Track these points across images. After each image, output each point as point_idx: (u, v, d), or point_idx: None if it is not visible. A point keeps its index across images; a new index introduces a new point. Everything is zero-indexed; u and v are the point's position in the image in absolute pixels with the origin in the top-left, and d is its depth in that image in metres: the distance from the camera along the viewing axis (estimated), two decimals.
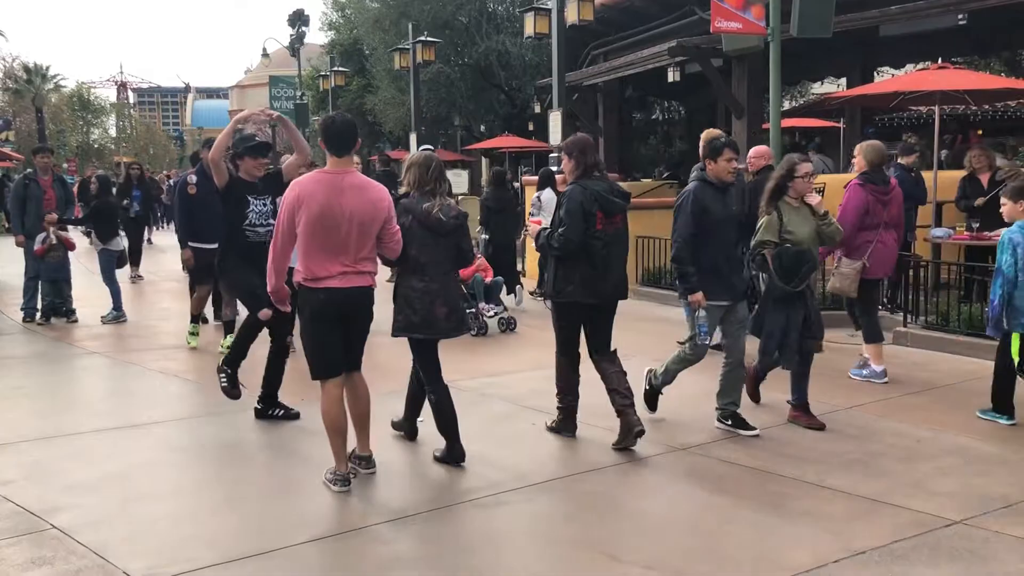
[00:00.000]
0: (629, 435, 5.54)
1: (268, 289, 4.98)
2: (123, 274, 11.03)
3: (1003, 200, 6.10)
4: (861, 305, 7.34)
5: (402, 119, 27.41)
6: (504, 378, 7.45)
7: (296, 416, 6.21)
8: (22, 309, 10.35)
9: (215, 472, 5.29)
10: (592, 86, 19.72)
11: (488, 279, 9.78)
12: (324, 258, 4.73)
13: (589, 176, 5.55)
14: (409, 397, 5.71)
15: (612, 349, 5.74)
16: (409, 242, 5.07)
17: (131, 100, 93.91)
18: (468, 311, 8.83)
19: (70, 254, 10.46)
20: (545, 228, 5.74)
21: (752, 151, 8.36)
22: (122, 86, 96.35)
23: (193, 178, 8.83)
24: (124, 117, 67.10)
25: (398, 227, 4.93)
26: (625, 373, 5.70)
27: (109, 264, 10.44)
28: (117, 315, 10.29)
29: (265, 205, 6.37)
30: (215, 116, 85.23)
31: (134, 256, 14.23)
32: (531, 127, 26.66)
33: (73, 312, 10.36)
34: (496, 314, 9.63)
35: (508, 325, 9.57)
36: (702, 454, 5.50)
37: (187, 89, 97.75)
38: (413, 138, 22.07)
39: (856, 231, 7.01)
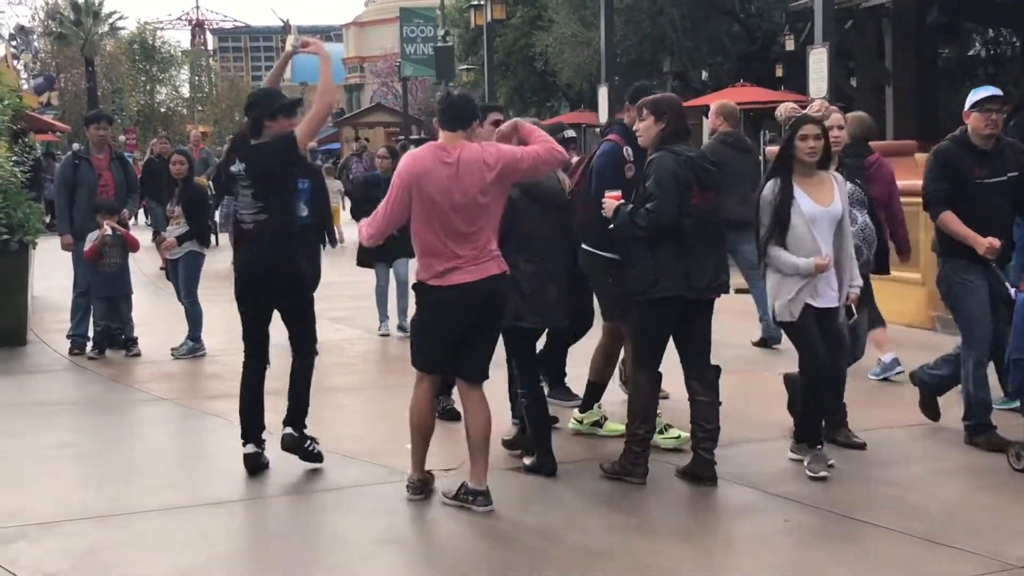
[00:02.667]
0: (702, 477, 6.46)
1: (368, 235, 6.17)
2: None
3: None
4: None
5: (585, 66, 27.66)
6: None
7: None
8: (68, 337, 11.04)
9: (338, 566, 5.44)
10: (875, 8, 19.25)
11: None
12: (442, 247, 5.89)
13: (679, 141, 6.45)
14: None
15: (714, 365, 6.58)
16: (517, 218, 6.44)
17: (210, 45, 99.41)
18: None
19: (131, 258, 11.07)
20: (625, 203, 6.46)
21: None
22: (198, 26, 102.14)
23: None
24: (200, 69, 70.84)
25: (525, 151, 6.01)
26: (719, 404, 6.52)
27: (193, 274, 10.89)
28: (194, 347, 10.79)
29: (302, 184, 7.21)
30: None
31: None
32: (779, 72, 26.28)
33: (134, 342, 10.97)
34: None
35: None
36: None
37: (286, 29, 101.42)
38: (603, 93, 22.19)
39: None
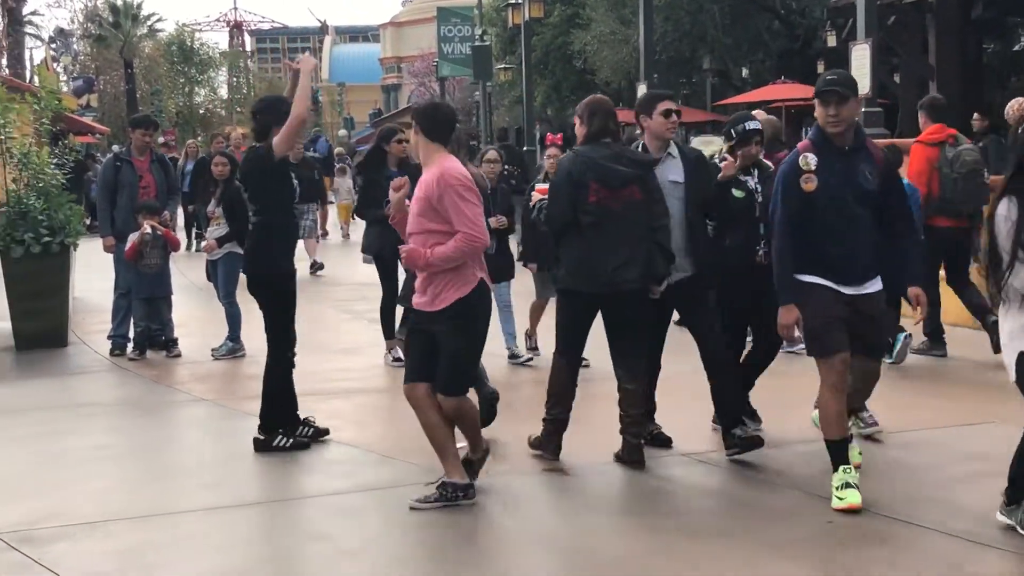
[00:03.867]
0: (630, 461, 6.83)
1: (432, 259, 6.09)
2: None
3: None
4: None
5: (624, 64, 27.64)
6: None
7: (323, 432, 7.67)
8: (109, 338, 11.18)
9: (382, 568, 5.48)
10: (919, 3, 19.12)
11: None
12: None
13: (595, 142, 6.82)
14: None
15: (644, 359, 6.96)
16: None
17: (248, 47, 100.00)
18: None
19: (171, 260, 11.17)
20: (543, 199, 7.02)
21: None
22: (236, 27, 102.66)
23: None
24: (238, 71, 71.27)
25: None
26: (649, 397, 7.16)
27: (232, 275, 10.89)
28: (234, 347, 10.88)
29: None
30: (361, 67, 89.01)
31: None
32: (821, 68, 26.09)
33: (174, 343, 11.09)
34: None
35: None
36: None
37: (323, 30, 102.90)
38: (641, 91, 22.11)
39: None
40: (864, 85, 14.23)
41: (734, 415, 7.03)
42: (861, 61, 14.22)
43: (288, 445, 7.48)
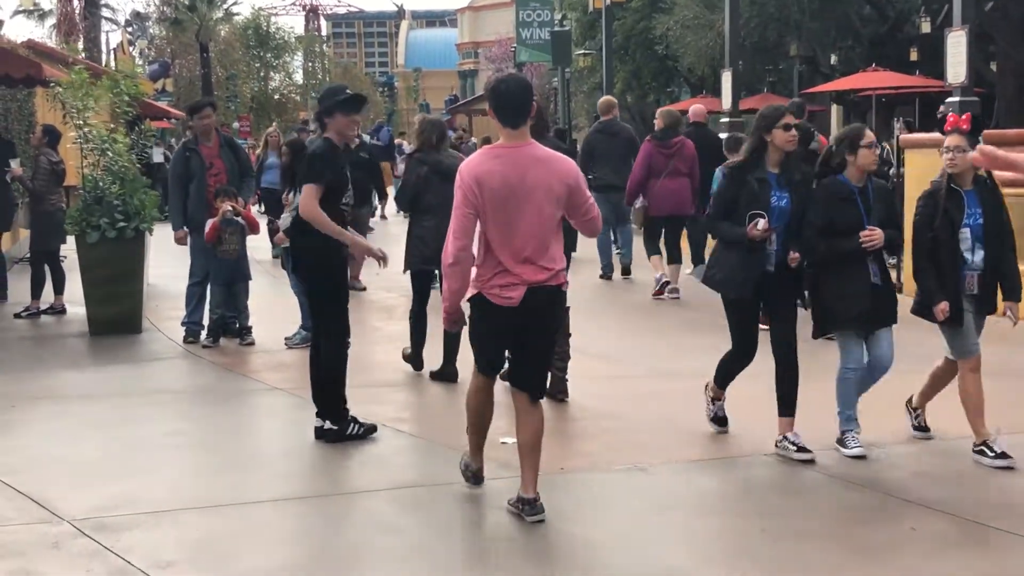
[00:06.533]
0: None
1: (446, 308, 5.93)
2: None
3: None
4: (645, 232, 13.68)
5: (708, 51, 27.42)
6: None
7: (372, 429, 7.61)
8: (183, 324, 11.33)
9: (452, 563, 5.51)
10: None
11: None
12: (508, 254, 5.74)
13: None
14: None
15: None
16: (425, 189, 9.03)
17: (324, 31, 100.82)
18: None
19: (248, 242, 11.26)
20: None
21: None
22: (312, 12, 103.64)
23: None
24: (314, 56, 71.81)
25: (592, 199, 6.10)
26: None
27: None
28: (307, 336, 10.88)
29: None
30: (438, 52, 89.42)
31: None
32: (913, 55, 25.76)
33: (249, 331, 11.21)
34: None
35: None
36: None
37: (400, 14, 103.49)
38: (726, 78, 21.97)
39: (644, 178, 13.11)
40: (960, 73, 14.02)
41: None
42: (957, 48, 13.98)
43: (360, 432, 7.56)
